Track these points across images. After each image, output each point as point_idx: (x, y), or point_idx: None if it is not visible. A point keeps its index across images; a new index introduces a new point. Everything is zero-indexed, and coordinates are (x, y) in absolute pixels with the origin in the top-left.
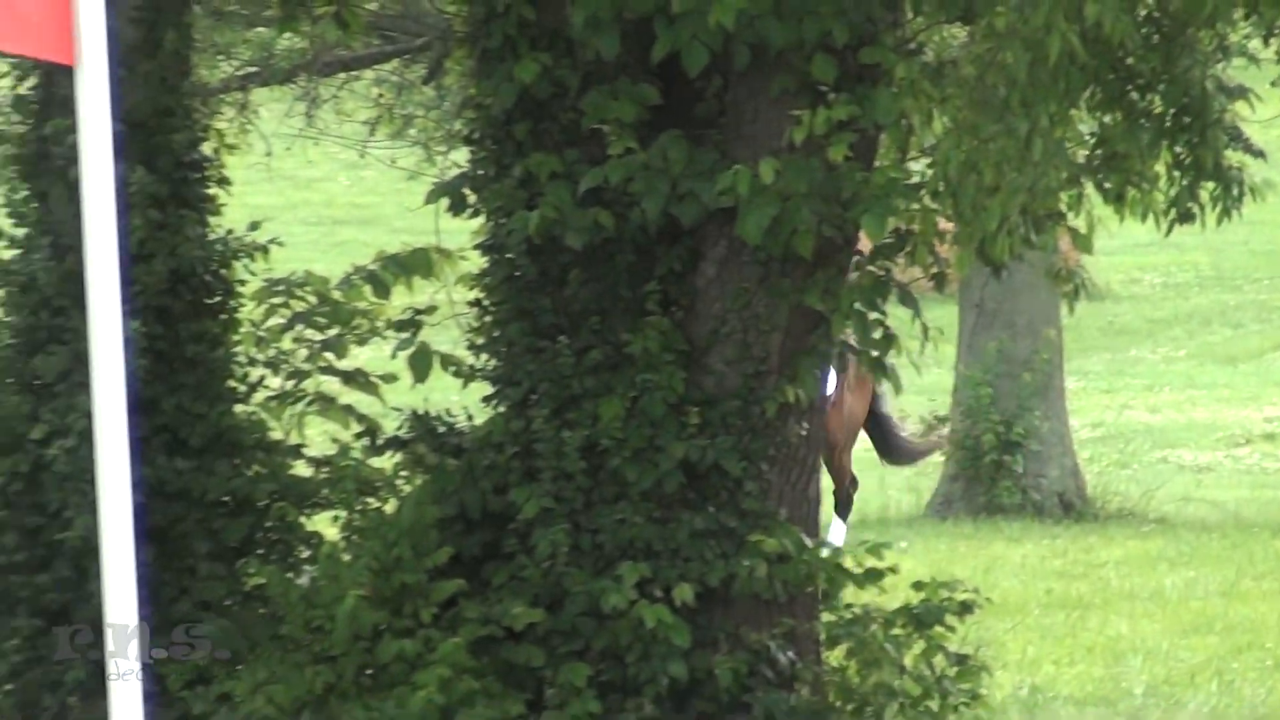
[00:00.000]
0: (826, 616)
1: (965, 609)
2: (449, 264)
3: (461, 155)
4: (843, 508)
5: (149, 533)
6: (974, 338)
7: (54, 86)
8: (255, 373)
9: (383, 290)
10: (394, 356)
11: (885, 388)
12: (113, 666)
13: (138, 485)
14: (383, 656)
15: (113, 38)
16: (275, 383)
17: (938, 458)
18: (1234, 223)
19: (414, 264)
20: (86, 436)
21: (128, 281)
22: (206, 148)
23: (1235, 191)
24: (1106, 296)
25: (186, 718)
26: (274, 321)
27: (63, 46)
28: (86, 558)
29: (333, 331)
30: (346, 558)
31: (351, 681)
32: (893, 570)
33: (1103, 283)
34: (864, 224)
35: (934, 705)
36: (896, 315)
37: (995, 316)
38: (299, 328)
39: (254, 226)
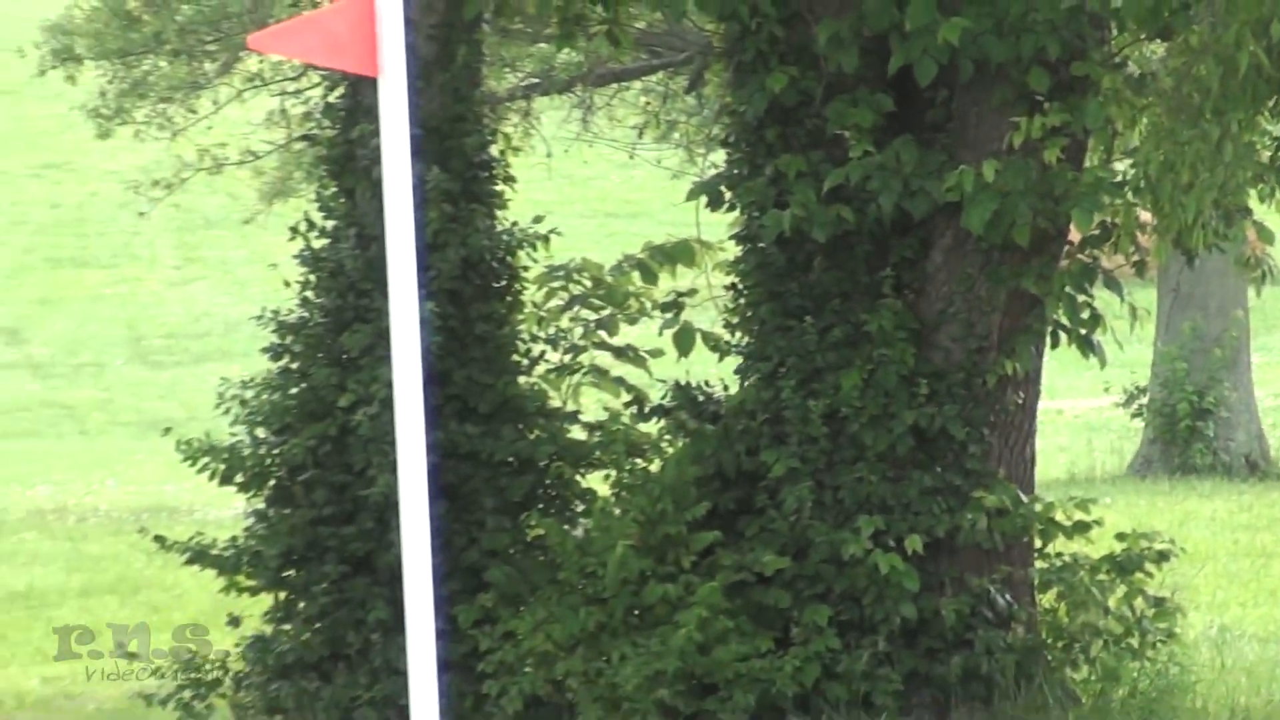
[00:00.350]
0: (1039, 564)
1: (1162, 557)
2: (708, 254)
3: (719, 156)
4: None
5: (442, 490)
6: (1171, 318)
7: (360, 96)
8: (537, 348)
9: (650, 276)
10: (660, 334)
11: None
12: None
13: (432, 448)
14: (648, 599)
15: (411, 53)
16: (554, 357)
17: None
18: None
19: (678, 254)
20: (387, 404)
21: (424, 268)
22: (494, 149)
23: None
24: None
25: (475, 653)
26: (553, 303)
27: (368, 61)
28: (388, 512)
29: (606, 312)
30: (616, 512)
31: (620, 621)
32: (1098, 523)
33: None
34: (1074, 217)
35: (1134, 642)
36: (1102, 298)
37: (1190, 299)
38: (576, 309)
39: (537, 220)
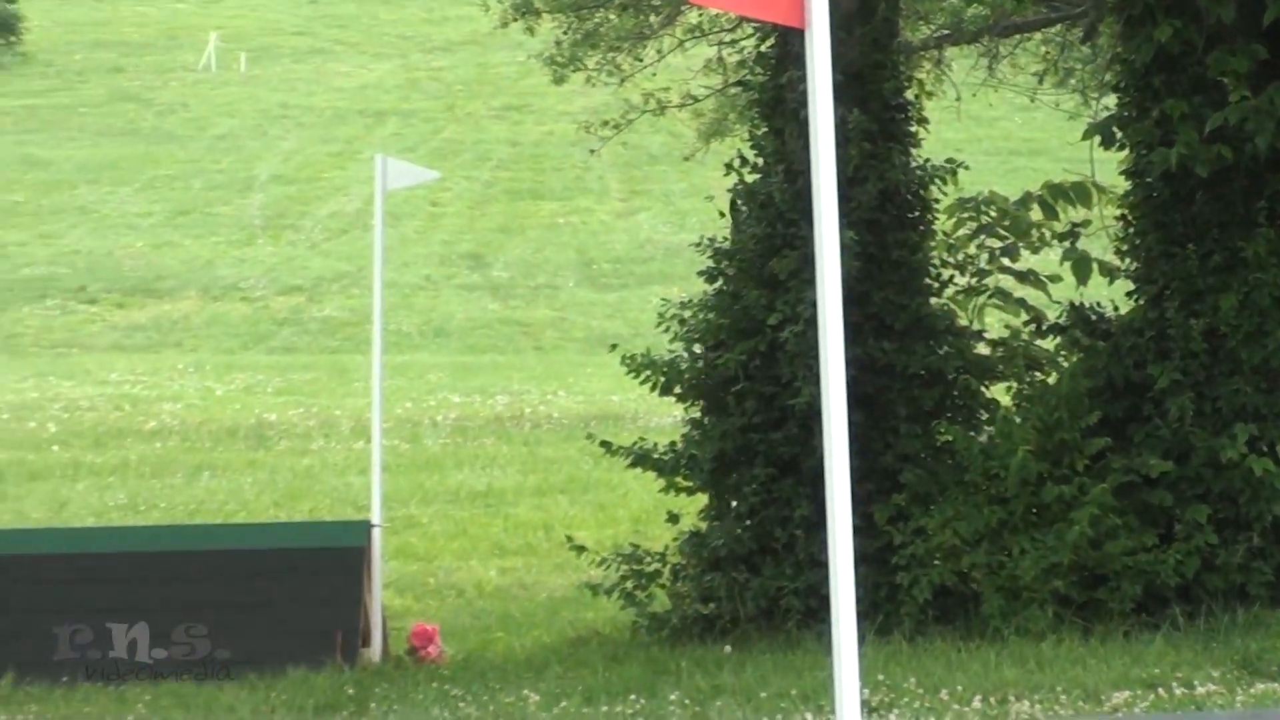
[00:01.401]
0: None
1: None
2: (1102, 197)
3: (1111, 100)
4: None
5: (860, 400)
6: None
7: (788, 45)
8: (946, 272)
9: (1050, 211)
10: (1061, 263)
11: None
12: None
13: (851, 362)
14: (1045, 498)
15: (835, 6)
16: (962, 280)
17: None
18: None
19: (1076, 193)
20: (811, 323)
21: (845, 200)
22: (909, 94)
23: None
24: None
25: (889, 547)
26: (962, 232)
27: (795, 14)
28: (811, 419)
29: (1009, 240)
30: (1017, 420)
31: (1020, 518)
32: None
33: None
34: None
35: None
36: None
37: None
38: (982, 237)
39: (950, 161)
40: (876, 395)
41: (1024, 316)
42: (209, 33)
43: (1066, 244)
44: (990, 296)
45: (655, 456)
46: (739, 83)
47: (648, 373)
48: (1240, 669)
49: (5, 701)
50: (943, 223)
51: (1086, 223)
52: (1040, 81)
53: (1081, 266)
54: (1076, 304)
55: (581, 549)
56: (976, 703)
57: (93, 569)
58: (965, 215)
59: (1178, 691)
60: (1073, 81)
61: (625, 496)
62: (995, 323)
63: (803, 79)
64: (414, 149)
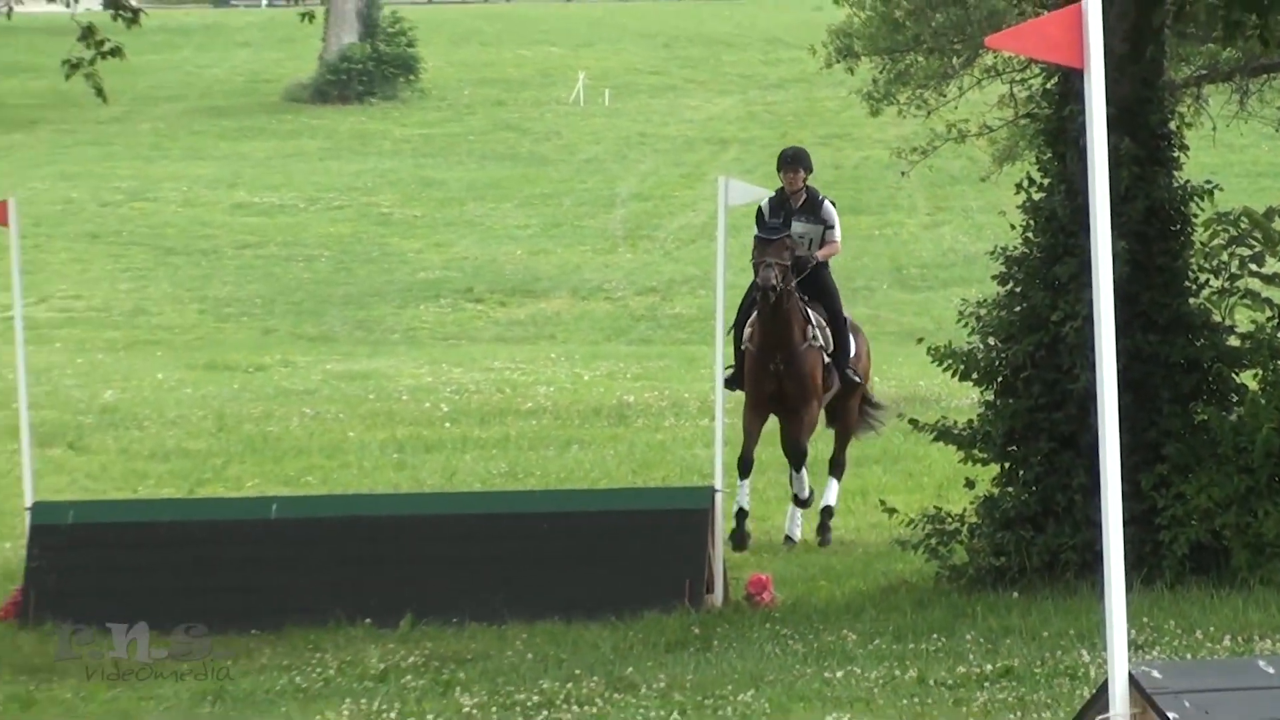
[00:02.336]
0: None
1: None
2: None
3: None
4: (840, 470)
5: (1128, 384)
6: None
7: (1069, 83)
8: (1202, 276)
9: None
10: None
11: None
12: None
13: (1121, 352)
14: None
15: (1108, 50)
16: (1216, 283)
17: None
18: None
19: None
20: (1088, 319)
21: (1116, 215)
22: (1172, 124)
23: None
24: None
25: (1152, 510)
26: (1216, 241)
27: (1075, 56)
28: (1088, 401)
29: (1258, 249)
30: (1263, 401)
31: (1265, 485)
32: None
33: None
34: None
35: None
36: None
37: None
38: (1234, 247)
39: (1207, 182)
40: (1143, 381)
41: (1269, 313)
42: (578, 72)
43: None
44: (1241, 297)
45: (955, 432)
46: (1027, 115)
47: (949, 361)
48: None
49: (403, 639)
50: (1200, 234)
51: None
52: None
53: None
54: None
55: (893, 511)
56: (1226, 641)
57: (478, 527)
58: (1220, 228)
59: None
60: None
61: (930, 466)
62: (1244, 319)
63: (1081, 111)
64: (751, 171)
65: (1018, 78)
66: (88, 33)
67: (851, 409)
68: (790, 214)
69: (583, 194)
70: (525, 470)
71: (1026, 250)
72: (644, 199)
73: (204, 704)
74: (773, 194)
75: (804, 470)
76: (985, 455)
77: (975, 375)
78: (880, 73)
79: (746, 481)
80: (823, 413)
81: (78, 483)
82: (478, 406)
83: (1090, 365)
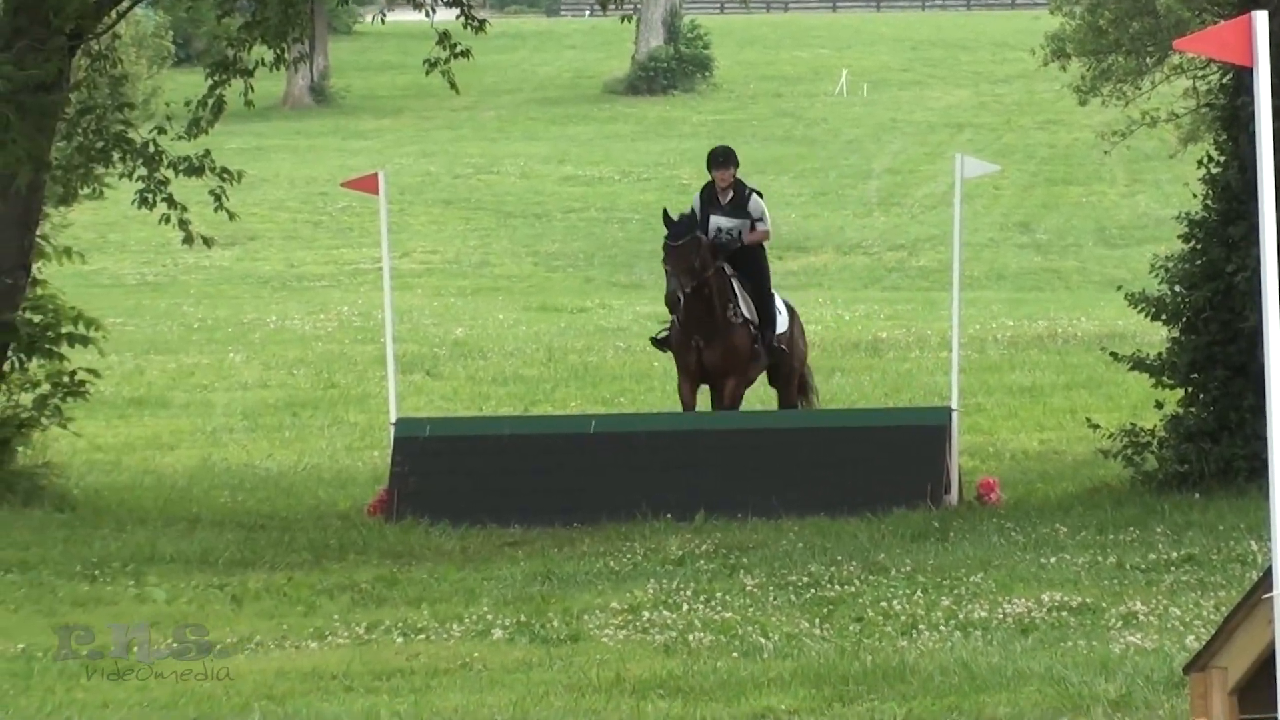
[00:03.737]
0: None
1: None
2: None
3: None
4: None
5: None
6: None
7: (1241, 79)
8: None
9: None
10: None
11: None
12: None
13: None
14: None
15: (1274, 50)
16: None
17: None
18: None
19: None
20: (1256, 270)
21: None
22: None
23: None
24: None
25: None
26: None
27: (1246, 56)
28: (1256, 337)
29: None
30: None
31: None
32: None
33: None
34: None
35: None
36: None
37: None
38: None
39: None
40: None
41: None
42: (842, 69)
43: None
44: None
45: (1148, 363)
46: (1207, 104)
47: (1143, 305)
48: None
49: (697, 531)
50: None
51: None
52: None
53: None
54: None
55: (1096, 426)
56: None
57: (759, 439)
58: None
59: None
60: None
61: (1127, 390)
62: None
63: (1250, 102)
64: (981, 150)
65: (1199, 74)
66: (443, 37)
67: (788, 379)
68: (720, 209)
69: (844, 168)
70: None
71: (1206, 214)
72: (894, 173)
73: (535, 583)
74: (702, 189)
75: None
76: (1172, 381)
77: (1164, 316)
78: (1087, 70)
79: None
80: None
81: (433, 403)
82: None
83: (1257, 308)
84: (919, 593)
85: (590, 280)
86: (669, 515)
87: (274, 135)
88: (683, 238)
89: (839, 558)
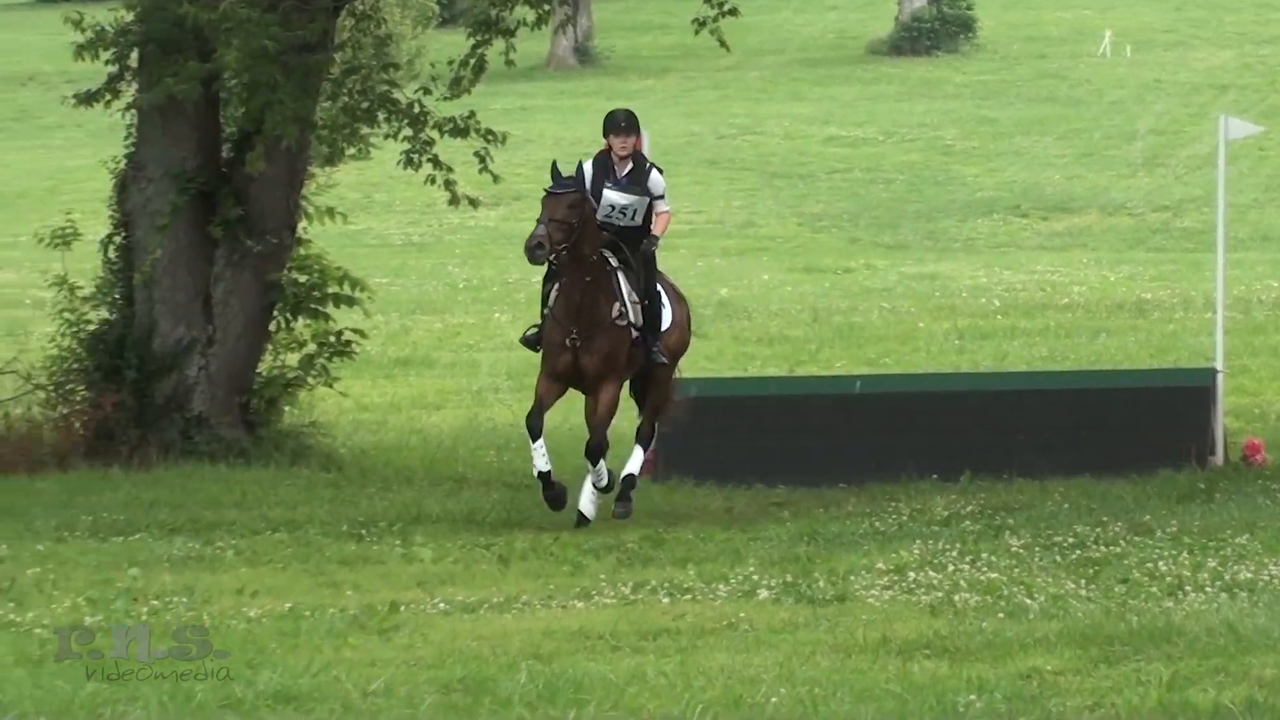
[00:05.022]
0: None
1: None
2: None
3: None
4: (646, 440)
5: None
6: None
7: None
8: None
9: None
10: None
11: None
12: None
13: None
14: None
15: None
16: None
17: None
18: None
19: None
20: None
21: None
22: None
23: None
24: None
25: None
26: None
27: None
28: None
29: None
30: None
31: None
32: None
33: None
34: None
35: None
36: None
37: None
38: None
39: None
40: None
41: None
42: (1105, 30)
43: None
44: None
45: None
46: None
47: None
48: None
49: (962, 492)
50: None
51: None
52: None
53: None
54: None
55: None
56: None
57: (1023, 400)
58: None
59: None
60: None
61: None
62: None
63: None
64: (1246, 111)
65: None
66: None
67: (661, 382)
68: (615, 181)
69: (1109, 129)
70: (1061, 355)
71: None
72: (1159, 134)
73: (800, 543)
74: (596, 157)
75: (601, 462)
76: None
77: None
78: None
79: (539, 443)
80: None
81: (698, 364)
82: (1023, 302)
83: None
84: (1184, 554)
85: (855, 241)
86: (934, 476)
87: (538, 96)
88: (567, 189)
89: (1104, 519)
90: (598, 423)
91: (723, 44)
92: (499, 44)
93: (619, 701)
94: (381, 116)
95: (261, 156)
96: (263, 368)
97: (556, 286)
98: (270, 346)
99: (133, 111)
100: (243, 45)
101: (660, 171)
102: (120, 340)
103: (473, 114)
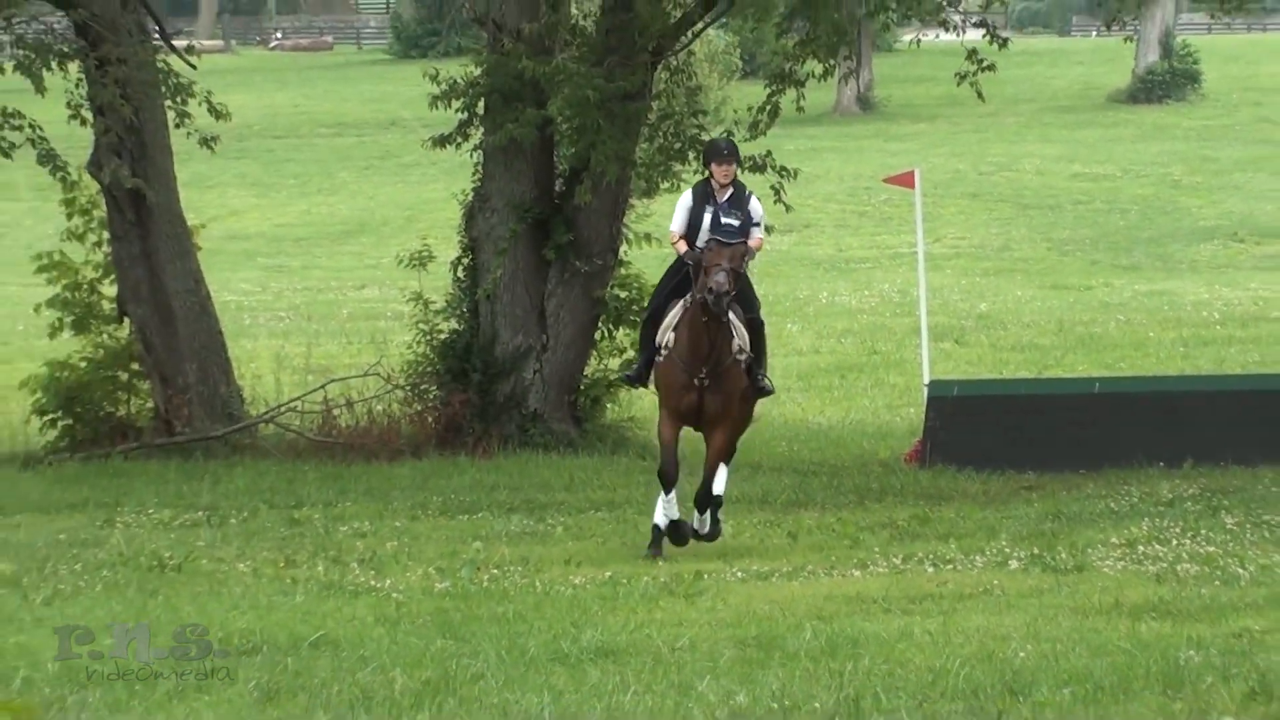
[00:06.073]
0: None
1: None
2: None
3: None
4: (729, 457)
5: None
6: None
7: None
8: None
9: None
10: None
11: None
12: None
13: None
14: None
15: None
16: None
17: None
18: None
19: None
20: None
21: None
22: None
23: None
24: None
25: None
26: None
27: None
28: None
29: None
30: None
31: None
32: None
33: None
34: None
35: None
36: None
37: None
38: None
39: None
40: None
41: None
42: None
43: None
44: None
45: None
46: None
47: None
48: None
49: (1185, 477)
50: None
51: None
52: None
53: None
54: None
55: None
56: None
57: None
58: None
59: None
60: None
61: None
62: None
63: None
64: None
65: None
66: (971, 54)
67: (749, 401)
68: (718, 208)
69: None
70: (1273, 359)
71: None
72: None
73: (1046, 521)
74: (696, 186)
75: (708, 512)
76: None
77: None
78: None
79: (671, 496)
80: None
81: (959, 367)
82: (1239, 315)
83: None
84: None
85: (1096, 263)
86: (1161, 464)
87: (825, 138)
88: (734, 240)
89: None
90: (714, 465)
91: (979, 95)
92: (791, 93)
93: (889, 656)
94: (691, 155)
95: (589, 190)
96: (588, 371)
97: (674, 327)
98: (595, 353)
99: (479, 151)
100: (570, 95)
101: (759, 200)
102: (467, 347)
103: (769, 153)
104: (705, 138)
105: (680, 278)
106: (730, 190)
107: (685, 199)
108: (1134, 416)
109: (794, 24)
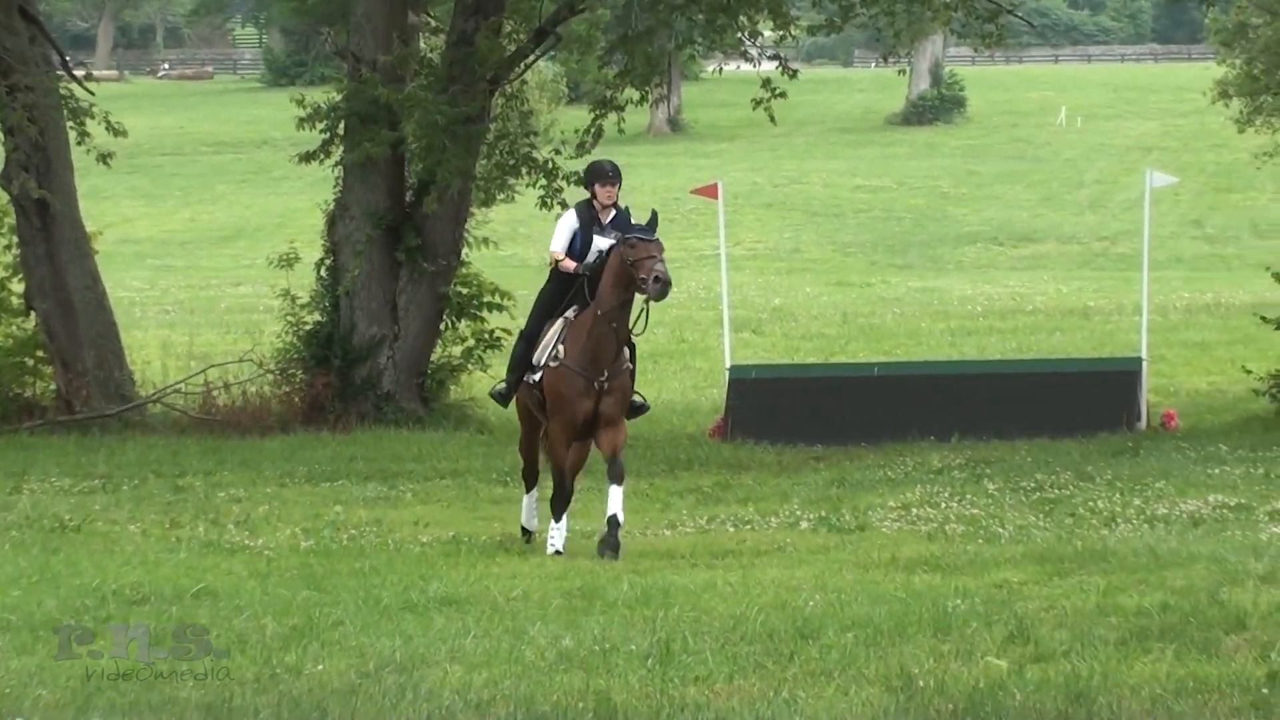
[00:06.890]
0: None
1: None
2: None
3: None
4: (621, 477)
5: None
6: None
7: None
8: None
9: None
10: None
11: None
12: None
13: None
14: None
15: None
16: None
17: None
18: None
19: None
20: None
21: None
22: None
23: None
24: None
25: None
26: None
27: None
28: None
29: None
30: None
31: None
32: None
33: None
34: None
35: None
36: None
37: None
38: None
39: None
40: None
41: None
42: (1061, 107)
43: None
44: None
45: None
46: None
47: None
48: None
49: (953, 449)
50: None
51: None
52: None
53: None
54: None
55: (1250, 372)
56: None
57: (997, 379)
58: None
59: None
60: None
61: (1274, 345)
62: None
63: None
64: (1165, 166)
65: None
66: (766, 83)
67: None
68: (602, 229)
69: (1063, 180)
70: (1027, 347)
71: None
72: (1100, 183)
73: (832, 487)
74: (579, 206)
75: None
76: None
77: None
78: (1245, 107)
79: (534, 494)
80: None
81: (757, 354)
82: (999, 309)
83: None
84: (1117, 495)
85: (875, 263)
86: (932, 437)
87: (641, 155)
88: (654, 233)
89: (1057, 469)
90: (619, 449)
91: (772, 119)
92: (613, 116)
93: (696, 604)
94: (524, 171)
95: (435, 200)
96: (435, 357)
97: (561, 340)
98: (440, 342)
99: (340, 167)
100: (421, 119)
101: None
102: (329, 337)
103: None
104: (535, 155)
105: (569, 296)
106: (614, 212)
107: (569, 219)
108: (908, 396)
109: (613, 57)
